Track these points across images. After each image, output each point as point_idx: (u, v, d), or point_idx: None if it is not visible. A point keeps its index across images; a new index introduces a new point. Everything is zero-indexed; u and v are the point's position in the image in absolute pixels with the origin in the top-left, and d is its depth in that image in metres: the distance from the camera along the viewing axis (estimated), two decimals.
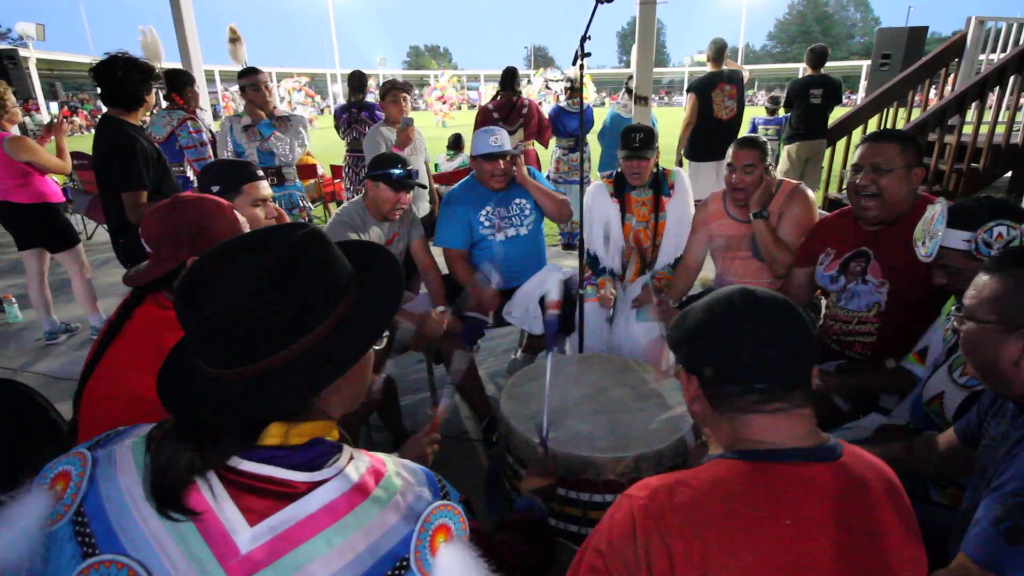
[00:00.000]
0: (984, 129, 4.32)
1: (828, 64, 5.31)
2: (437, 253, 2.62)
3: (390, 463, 0.73)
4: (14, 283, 4.65)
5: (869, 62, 7.10)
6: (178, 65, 4.67)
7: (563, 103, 5.41)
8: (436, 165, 6.60)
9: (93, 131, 2.73)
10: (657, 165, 2.58)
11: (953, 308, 1.13)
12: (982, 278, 1.01)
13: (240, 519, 0.62)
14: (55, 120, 3.51)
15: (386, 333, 0.74)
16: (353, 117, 4.86)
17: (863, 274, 1.85)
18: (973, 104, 4.42)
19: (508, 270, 2.58)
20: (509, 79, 4.78)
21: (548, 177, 5.23)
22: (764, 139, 2.25)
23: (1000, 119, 4.41)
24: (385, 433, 2.48)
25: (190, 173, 3.89)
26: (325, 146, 10.88)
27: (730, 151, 2.23)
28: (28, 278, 3.56)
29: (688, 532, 0.74)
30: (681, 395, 1.64)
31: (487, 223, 2.54)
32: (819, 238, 2.02)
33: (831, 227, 2.01)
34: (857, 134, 5.08)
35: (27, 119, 13.79)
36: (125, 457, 0.66)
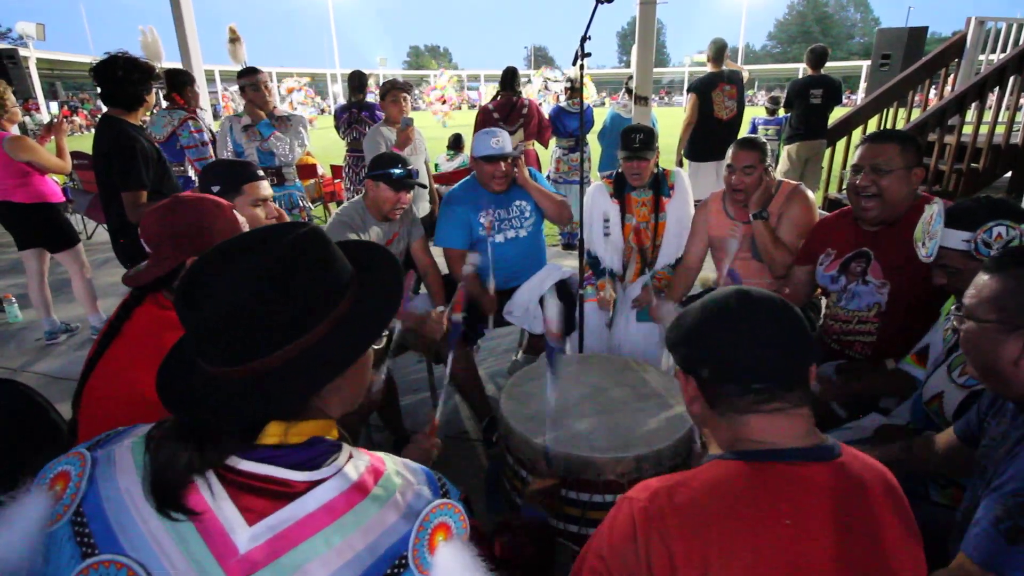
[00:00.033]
0: (984, 129, 4.33)
1: (828, 64, 5.31)
2: (437, 253, 2.62)
3: (390, 462, 0.73)
4: (14, 283, 4.65)
5: (869, 62, 7.10)
6: (178, 65, 4.66)
7: (563, 103, 5.42)
8: (436, 165, 6.60)
9: (93, 131, 2.73)
10: (657, 165, 2.58)
11: (953, 308, 1.13)
12: (982, 278, 1.01)
13: (239, 519, 0.62)
14: (55, 120, 3.50)
15: (385, 333, 0.74)
16: (353, 117, 4.86)
17: (863, 274, 1.86)
18: (973, 104, 4.42)
19: (508, 271, 2.58)
20: (509, 79, 4.78)
21: (548, 177, 5.23)
22: (764, 140, 2.25)
23: (1000, 119, 4.41)
24: (385, 433, 2.48)
25: (191, 173, 3.89)
26: (325, 146, 10.88)
27: (729, 152, 2.23)
28: (28, 278, 3.56)
29: (688, 533, 0.74)
30: (681, 395, 1.64)
31: (487, 224, 2.54)
32: (819, 238, 2.03)
33: (831, 227, 2.01)
34: (857, 134, 5.08)
35: (27, 119, 13.79)
36: (124, 457, 0.66)
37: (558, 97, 10.08)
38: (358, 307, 0.71)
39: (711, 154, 4.60)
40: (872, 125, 4.71)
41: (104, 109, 2.63)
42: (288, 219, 2.27)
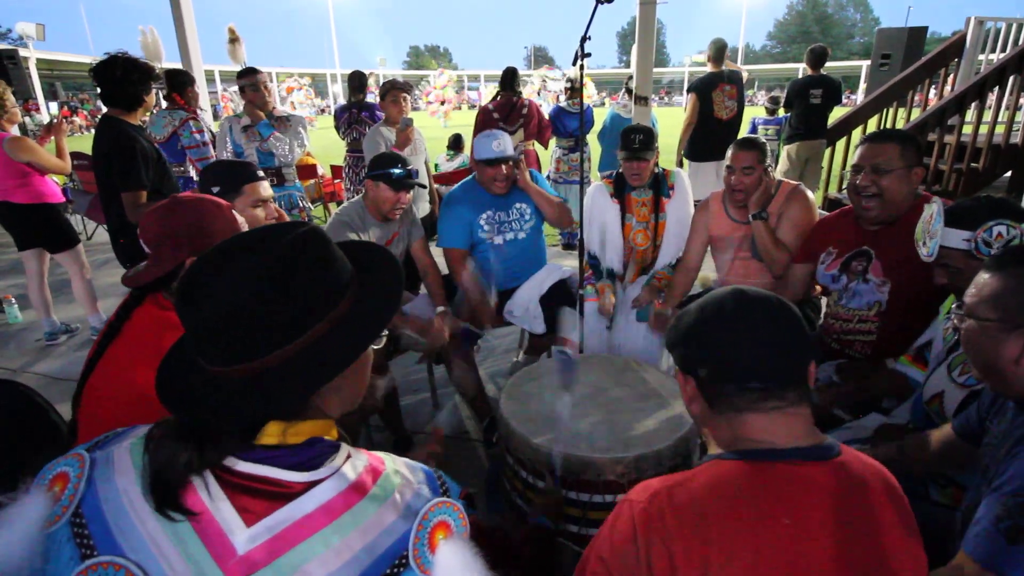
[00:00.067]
0: (984, 129, 4.33)
1: (828, 64, 5.31)
2: (436, 253, 2.62)
3: (389, 461, 0.72)
4: (14, 283, 4.65)
5: (869, 62, 7.10)
6: (178, 65, 4.67)
7: (563, 103, 5.42)
8: (436, 165, 6.60)
9: (93, 131, 2.73)
10: (657, 165, 2.58)
11: (954, 306, 1.13)
12: (983, 276, 1.01)
13: (237, 519, 0.61)
14: (55, 120, 3.50)
15: (385, 333, 0.74)
16: (353, 117, 4.86)
17: (864, 273, 1.86)
18: (973, 104, 4.42)
19: (508, 272, 2.58)
20: (509, 79, 4.78)
21: (548, 177, 5.24)
22: (763, 140, 2.26)
23: (1000, 119, 4.41)
24: (385, 433, 2.48)
25: (193, 173, 3.89)
26: (325, 146, 10.88)
27: (729, 152, 2.23)
28: (28, 278, 3.56)
29: (688, 533, 0.74)
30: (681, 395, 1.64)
31: (486, 227, 2.54)
32: (820, 238, 2.03)
33: (832, 226, 2.01)
34: (857, 134, 5.08)
35: (27, 119, 13.79)
36: (123, 458, 0.66)
37: (557, 97, 10.07)
38: (358, 307, 0.71)
39: (711, 154, 4.60)
40: (872, 125, 4.71)
41: (104, 109, 2.63)
42: (288, 219, 2.27)
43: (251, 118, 3.36)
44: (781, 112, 6.54)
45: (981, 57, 5.32)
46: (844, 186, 5.21)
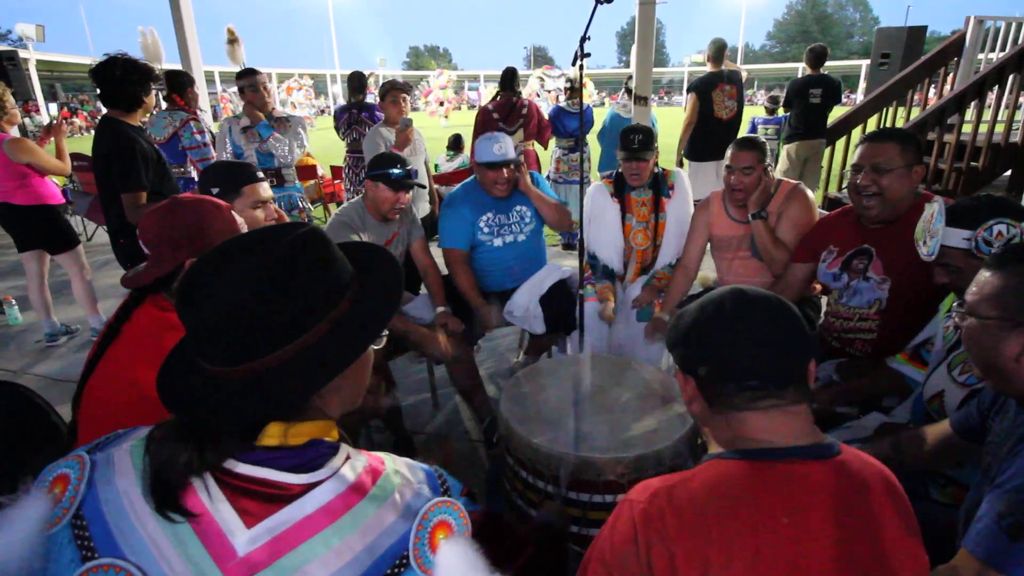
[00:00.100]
0: (983, 128, 4.33)
1: (827, 64, 5.32)
2: (436, 254, 2.62)
3: (389, 461, 0.72)
4: (14, 285, 4.65)
5: (868, 62, 7.10)
6: (178, 66, 4.67)
7: (563, 103, 5.42)
8: (436, 165, 6.60)
9: (93, 132, 2.73)
10: (657, 165, 2.58)
11: (955, 305, 1.13)
12: (984, 275, 1.01)
13: (237, 521, 0.61)
14: (54, 121, 3.50)
15: (385, 333, 0.74)
16: (353, 118, 4.86)
17: (865, 271, 1.86)
18: (972, 103, 4.42)
19: (508, 273, 2.59)
20: (509, 80, 4.78)
21: (548, 177, 5.24)
22: (763, 140, 2.26)
23: (999, 118, 4.41)
24: (385, 433, 2.48)
25: (194, 174, 3.88)
26: (325, 147, 10.89)
27: (728, 152, 2.23)
28: (28, 280, 3.55)
29: (688, 533, 0.74)
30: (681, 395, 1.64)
31: (486, 229, 2.54)
32: (820, 236, 2.03)
33: (833, 225, 2.01)
34: (856, 133, 5.09)
35: (27, 120, 13.81)
36: (123, 460, 0.66)
37: (557, 97, 10.07)
38: (358, 307, 0.71)
39: (711, 154, 4.60)
40: (871, 124, 4.72)
41: (103, 111, 2.63)
42: (288, 220, 2.27)
43: (250, 119, 3.36)
44: (781, 112, 6.55)
45: (980, 56, 5.32)
46: (844, 185, 5.22)
